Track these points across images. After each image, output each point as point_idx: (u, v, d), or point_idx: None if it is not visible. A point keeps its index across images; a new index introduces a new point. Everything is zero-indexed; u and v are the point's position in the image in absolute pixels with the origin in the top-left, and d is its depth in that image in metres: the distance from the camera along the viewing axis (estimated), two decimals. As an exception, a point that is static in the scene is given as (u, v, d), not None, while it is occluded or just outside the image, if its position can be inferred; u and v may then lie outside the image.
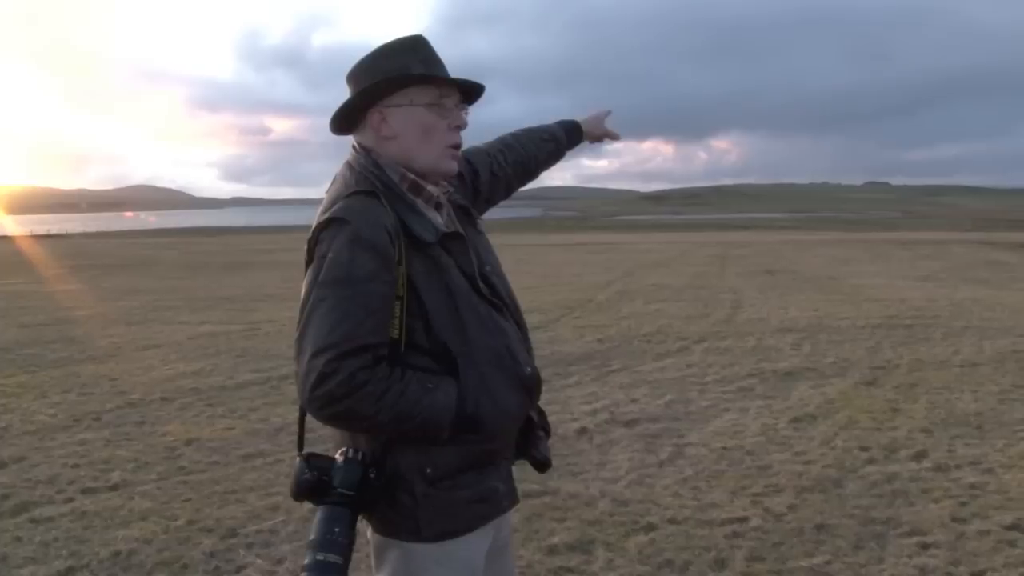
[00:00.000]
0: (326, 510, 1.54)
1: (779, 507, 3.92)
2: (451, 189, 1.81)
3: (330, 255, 1.53)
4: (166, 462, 4.73)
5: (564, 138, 2.25)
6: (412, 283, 1.57)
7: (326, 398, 1.49)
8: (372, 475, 1.57)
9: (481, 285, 1.67)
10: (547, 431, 1.90)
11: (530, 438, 1.81)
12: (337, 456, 1.58)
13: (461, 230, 1.72)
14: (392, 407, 1.51)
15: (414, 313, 1.58)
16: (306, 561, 1.50)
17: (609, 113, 2.33)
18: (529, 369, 1.71)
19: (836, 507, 3.91)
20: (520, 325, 1.77)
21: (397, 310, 1.56)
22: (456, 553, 1.65)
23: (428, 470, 1.59)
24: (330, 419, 1.56)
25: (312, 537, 1.52)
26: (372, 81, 1.65)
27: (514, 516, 1.94)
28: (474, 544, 1.68)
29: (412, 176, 1.67)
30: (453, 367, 1.60)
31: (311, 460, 1.58)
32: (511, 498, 1.74)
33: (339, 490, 1.54)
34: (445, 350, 1.59)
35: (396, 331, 1.56)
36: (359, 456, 1.57)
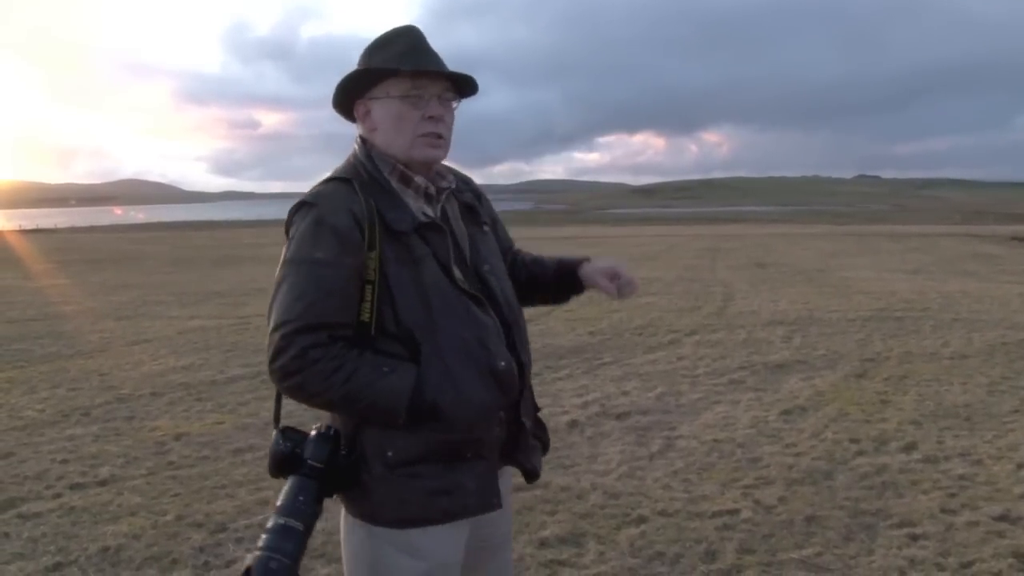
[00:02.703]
0: (295, 480, 1.60)
1: (769, 499, 3.92)
2: (450, 185, 1.77)
3: (296, 236, 1.61)
4: (155, 457, 4.71)
5: (556, 293, 2.01)
6: (383, 269, 1.60)
7: (281, 371, 1.57)
8: (343, 452, 1.63)
9: (457, 275, 1.66)
10: (544, 443, 1.89)
11: (519, 444, 1.79)
12: (312, 431, 1.64)
13: (439, 221, 1.70)
14: (341, 386, 1.55)
15: (384, 299, 1.60)
16: (269, 524, 1.54)
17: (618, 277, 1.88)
18: (503, 363, 1.67)
19: (826, 499, 3.93)
20: (508, 323, 1.74)
21: (369, 294, 1.59)
22: (417, 543, 1.64)
23: (389, 453, 1.61)
24: (287, 392, 1.63)
25: (279, 503, 1.57)
26: (348, 76, 1.70)
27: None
28: (439, 538, 1.66)
29: (401, 167, 1.70)
30: (418, 354, 1.61)
31: (286, 433, 1.65)
32: (485, 500, 1.70)
33: (309, 462, 1.60)
34: (411, 337, 1.61)
35: (367, 315, 1.59)
36: (330, 432, 1.63)
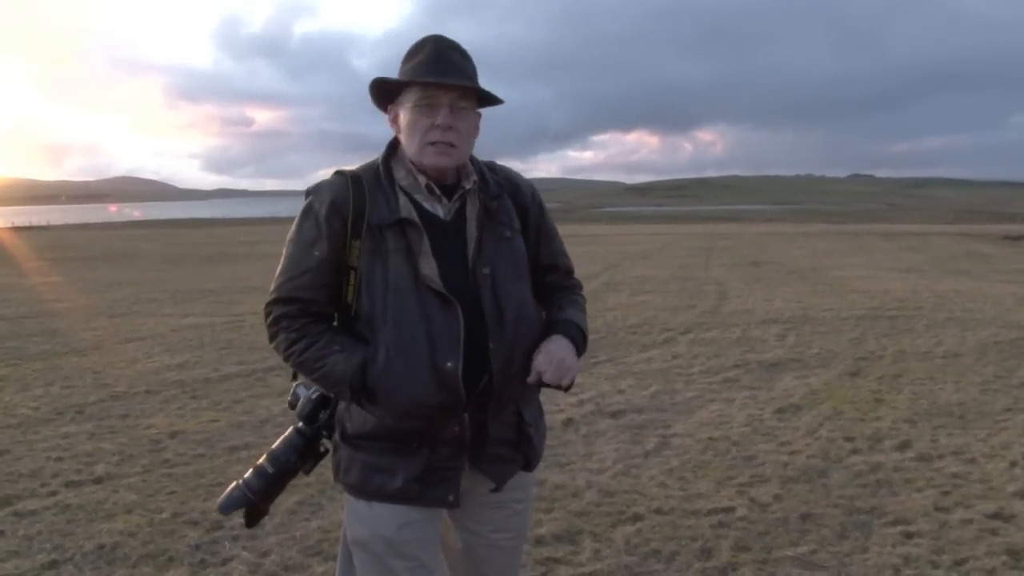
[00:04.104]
0: (287, 432, 1.87)
1: (764, 497, 3.94)
2: (465, 187, 1.80)
3: (294, 220, 1.81)
4: (150, 455, 4.70)
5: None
6: (362, 258, 1.73)
7: (267, 333, 1.82)
8: (322, 416, 1.85)
9: (426, 272, 1.69)
10: (527, 458, 1.89)
11: (483, 452, 1.80)
12: (310, 393, 1.88)
13: (415, 218, 1.73)
14: (299, 355, 1.74)
15: (358, 285, 1.74)
16: (257, 462, 1.85)
17: (539, 375, 1.85)
18: (449, 364, 1.67)
19: (821, 497, 3.94)
20: (488, 328, 1.73)
21: (353, 279, 1.74)
22: (363, 511, 1.79)
23: (346, 424, 1.80)
24: (275, 351, 1.83)
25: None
26: (370, 87, 1.82)
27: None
28: (381, 513, 1.77)
29: (415, 169, 1.78)
30: (374, 340, 1.72)
31: (295, 390, 1.91)
32: (435, 494, 1.76)
33: (298, 419, 1.87)
34: (370, 323, 1.72)
35: (350, 297, 1.75)
36: (315, 395, 1.86)
